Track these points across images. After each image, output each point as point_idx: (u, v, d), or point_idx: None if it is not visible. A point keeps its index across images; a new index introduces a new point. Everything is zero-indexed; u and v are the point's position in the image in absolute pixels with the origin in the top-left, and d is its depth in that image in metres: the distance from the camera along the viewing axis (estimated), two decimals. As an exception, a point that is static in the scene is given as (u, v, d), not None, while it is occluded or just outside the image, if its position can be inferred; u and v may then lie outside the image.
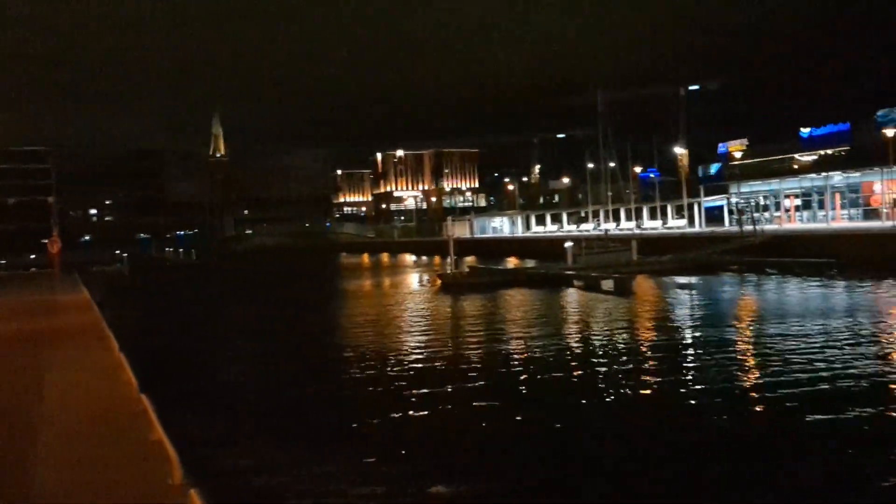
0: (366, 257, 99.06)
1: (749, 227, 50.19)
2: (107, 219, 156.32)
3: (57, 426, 7.88)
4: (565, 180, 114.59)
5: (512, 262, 63.71)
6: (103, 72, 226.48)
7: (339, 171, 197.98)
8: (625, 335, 23.11)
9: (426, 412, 14.55)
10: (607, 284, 35.78)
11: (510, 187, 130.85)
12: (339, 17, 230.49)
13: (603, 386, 16.56)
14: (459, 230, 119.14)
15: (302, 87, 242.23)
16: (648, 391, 15.98)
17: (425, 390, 16.18)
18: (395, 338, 24.32)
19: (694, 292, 34.69)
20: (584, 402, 15.14)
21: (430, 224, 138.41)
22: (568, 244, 46.04)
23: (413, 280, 51.78)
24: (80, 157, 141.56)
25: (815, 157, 69.49)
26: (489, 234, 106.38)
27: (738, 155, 68.33)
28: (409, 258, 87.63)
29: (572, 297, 34.80)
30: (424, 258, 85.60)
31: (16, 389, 10.07)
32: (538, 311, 30.14)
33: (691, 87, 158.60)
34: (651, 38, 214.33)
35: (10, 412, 8.75)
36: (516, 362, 19.51)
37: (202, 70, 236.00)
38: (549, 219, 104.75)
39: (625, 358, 19.45)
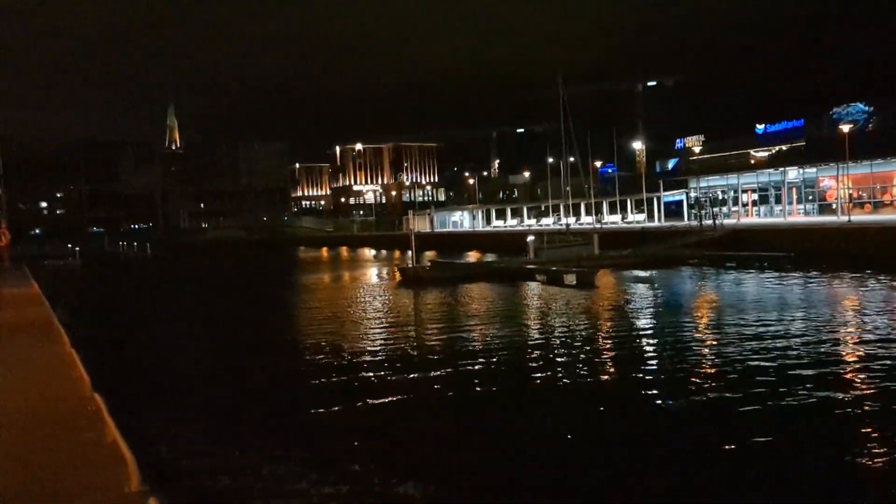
0: (324, 251, 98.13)
1: (708, 222, 50.77)
2: (58, 212, 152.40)
3: (4, 428, 7.37)
4: (526, 174, 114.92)
5: (473, 257, 63.59)
6: (55, 59, 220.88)
7: (297, 165, 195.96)
8: (586, 328, 23.06)
9: (384, 407, 14.24)
10: (570, 278, 35.76)
11: (470, 181, 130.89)
12: (299, 9, 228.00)
13: (561, 377, 16.46)
14: (419, 225, 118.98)
15: (260, 80, 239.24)
16: (605, 380, 15.99)
17: (386, 385, 15.88)
18: (355, 333, 23.91)
19: (654, 285, 34.90)
20: (542, 394, 15.00)
21: (389, 218, 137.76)
22: (530, 238, 46.02)
23: (373, 274, 51.35)
24: (30, 148, 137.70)
25: (771, 153, 70.78)
26: (449, 229, 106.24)
27: (696, 150, 69.23)
28: (369, 252, 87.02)
29: (535, 291, 34.71)
30: (384, 252, 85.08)
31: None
32: (500, 306, 29.99)
33: (649, 84, 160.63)
34: (608, 34, 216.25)
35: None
36: (475, 356, 19.26)
37: (157, 60, 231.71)
38: (509, 213, 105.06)
39: (585, 349, 19.38)
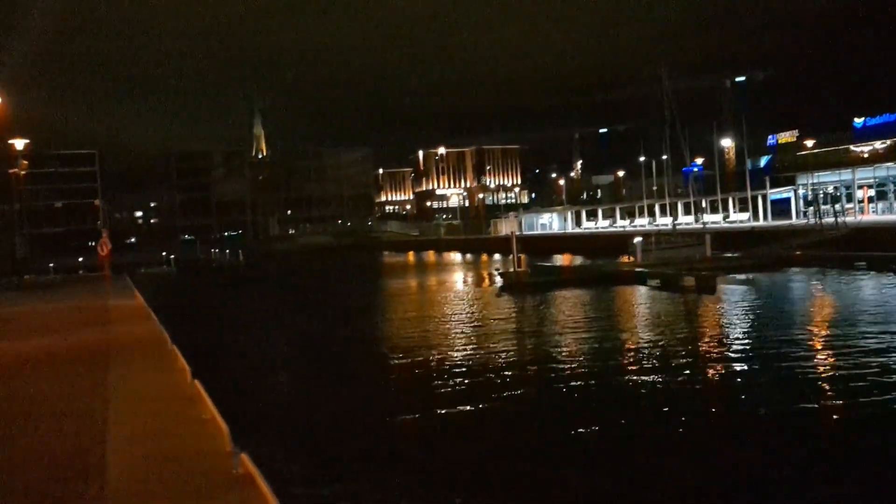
0: (411, 256, 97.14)
1: (829, 220, 47.00)
2: (152, 221, 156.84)
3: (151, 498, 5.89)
4: (620, 173, 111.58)
5: (564, 260, 61.38)
6: (147, 75, 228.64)
7: (380, 170, 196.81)
8: (722, 341, 20.64)
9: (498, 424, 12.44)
10: (688, 282, 33.23)
11: (560, 182, 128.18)
12: (379, 16, 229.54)
13: (708, 402, 14.30)
14: (507, 227, 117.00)
15: (343, 86, 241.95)
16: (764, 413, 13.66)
17: (501, 403, 14.08)
18: (466, 342, 22.17)
19: (788, 290, 32.04)
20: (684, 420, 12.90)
21: (475, 222, 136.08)
22: (637, 239, 43.43)
23: (470, 280, 49.57)
24: (126, 160, 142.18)
25: (886, 146, 65.68)
26: (537, 231, 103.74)
27: (791, 145, 64.82)
28: (456, 257, 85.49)
29: (649, 296, 32.33)
30: (469, 256, 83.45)
31: (78, 435, 8.14)
32: (617, 313, 27.84)
33: (738, 79, 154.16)
34: (693, 31, 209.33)
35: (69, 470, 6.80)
36: (608, 371, 17.24)
37: (244, 72, 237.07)
38: (600, 214, 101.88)
39: (731, 370, 17.08)
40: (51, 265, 62.83)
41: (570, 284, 37.66)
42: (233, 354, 22.96)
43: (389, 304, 37.15)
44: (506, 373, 17.61)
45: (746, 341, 20.37)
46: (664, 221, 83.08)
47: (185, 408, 8.33)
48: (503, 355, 19.92)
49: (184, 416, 7.98)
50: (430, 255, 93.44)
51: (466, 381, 16.85)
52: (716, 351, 19.33)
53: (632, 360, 18.52)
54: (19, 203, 59.24)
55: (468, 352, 20.69)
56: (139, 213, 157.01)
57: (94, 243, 60.36)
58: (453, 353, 20.51)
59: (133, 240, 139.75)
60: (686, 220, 72.33)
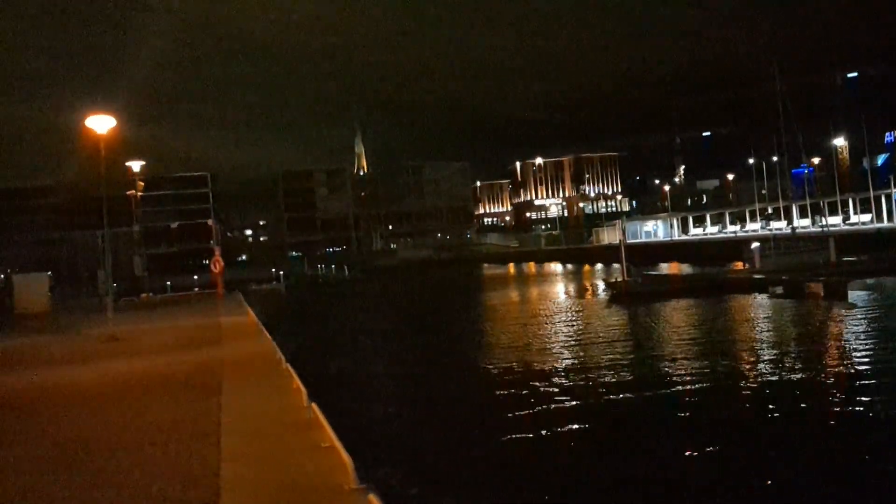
0: (511, 268, 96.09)
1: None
2: (261, 238, 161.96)
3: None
4: (730, 176, 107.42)
5: (672, 268, 59.14)
6: (253, 99, 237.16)
7: (478, 183, 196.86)
8: (865, 356, 18.83)
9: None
10: (814, 289, 31.01)
11: (666, 188, 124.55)
12: (469, 28, 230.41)
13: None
14: (609, 236, 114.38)
15: (439, 100, 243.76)
16: None
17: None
18: (583, 358, 21.14)
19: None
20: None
21: (575, 231, 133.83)
22: (754, 245, 41.12)
23: (576, 290, 48.09)
24: (236, 181, 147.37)
25: None
26: (642, 239, 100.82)
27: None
28: (557, 267, 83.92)
29: (776, 306, 30.29)
30: (569, 266, 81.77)
31: (189, 462, 7.76)
32: (740, 324, 26.13)
33: (849, 75, 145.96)
34: (806, 24, 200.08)
35: None
36: (748, 392, 15.90)
37: (345, 91, 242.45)
38: (709, 219, 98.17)
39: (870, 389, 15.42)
40: (167, 283, 65.25)
41: (683, 294, 35.87)
42: (346, 373, 22.66)
43: (499, 320, 36.07)
44: (649, 393, 16.56)
45: (866, 356, 18.57)
46: (778, 225, 79.17)
47: (302, 434, 7.83)
48: (632, 376, 18.84)
49: (302, 444, 7.46)
50: (531, 267, 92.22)
51: (611, 404, 15.90)
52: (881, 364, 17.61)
53: (802, 379, 17.06)
54: (137, 224, 61.83)
55: (589, 375, 19.69)
56: (249, 232, 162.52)
57: (207, 261, 62.46)
58: (572, 375, 19.56)
59: (244, 257, 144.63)
60: (803, 224, 68.55)
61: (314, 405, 8.39)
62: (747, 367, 18.61)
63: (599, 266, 75.96)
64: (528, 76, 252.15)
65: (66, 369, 14.82)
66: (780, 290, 33.32)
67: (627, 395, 16.28)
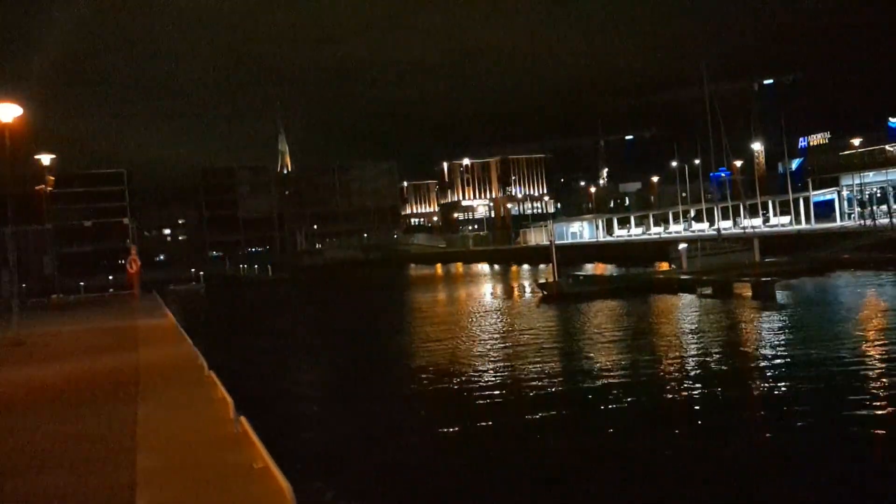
0: (439, 268, 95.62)
1: (883, 221, 44.87)
2: (180, 237, 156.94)
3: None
4: (655, 178, 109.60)
5: (597, 269, 59.73)
6: (171, 92, 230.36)
7: (405, 183, 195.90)
8: (800, 360, 18.84)
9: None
10: (742, 289, 31.39)
11: (591, 189, 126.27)
12: (397, 29, 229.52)
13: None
14: (536, 237, 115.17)
15: (365, 99, 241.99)
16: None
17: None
18: (526, 359, 20.63)
19: (854, 295, 30.10)
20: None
21: (502, 232, 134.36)
22: (681, 246, 41.57)
23: (508, 291, 47.80)
24: (153, 178, 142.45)
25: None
26: (568, 240, 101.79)
27: (818, 147, 62.53)
28: (484, 268, 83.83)
29: (706, 305, 30.50)
30: (497, 267, 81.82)
31: (101, 489, 6.74)
32: (674, 325, 26.11)
33: (765, 82, 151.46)
34: (718, 36, 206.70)
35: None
36: (690, 396, 15.64)
37: (267, 89, 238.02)
38: (633, 221, 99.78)
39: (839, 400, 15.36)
40: (80, 284, 62.16)
41: (613, 294, 35.90)
42: (270, 380, 21.51)
43: (431, 319, 35.32)
44: (618, 392, 16.07)
45: (853, 351, 18.65)
46: (700, 227, 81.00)
47: (230, 452, 6.90)
48: (595, 376, 18.37)
49: (230, 464, 6.54)
50: (459, 267, 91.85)
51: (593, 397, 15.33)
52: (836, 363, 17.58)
53: (760, 382, 16.86)
54: (49, 222, 58.75)
55: (540, 372, 19.15)
56: (167, 231, 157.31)
57: (123, 261, 59.71)
58: (522, 372, 19.00)
59: (162, 257, 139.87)
60: (724, 225, 70.33)
61: (243, 418, 7.46)
62: (675, 362, 18.41)
63: (526, 267, 76.15)
64: (455, 77, 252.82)
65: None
66: (708, 290, 33.66)
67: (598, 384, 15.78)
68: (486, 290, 49.65)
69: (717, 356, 19.47)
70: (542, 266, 72.27)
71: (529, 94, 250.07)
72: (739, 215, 69.46)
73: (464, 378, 18.47)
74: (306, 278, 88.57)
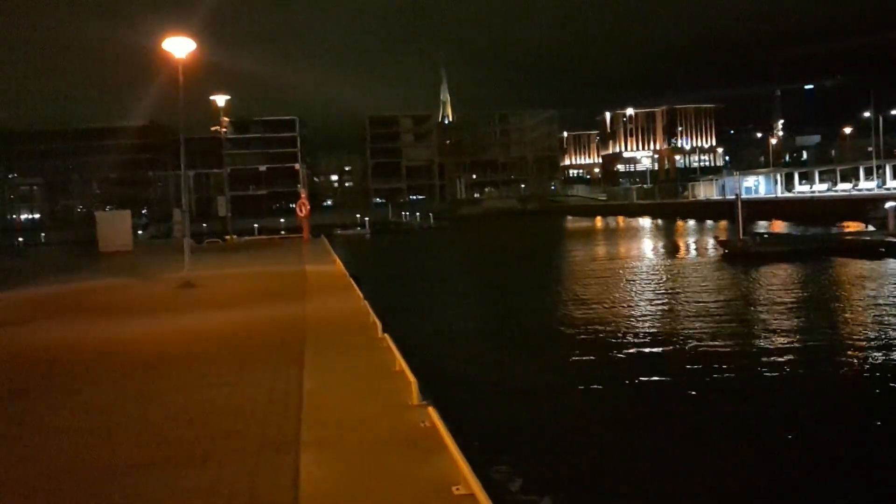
0: (599, 221, 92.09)
1: None
2: (346, 184, 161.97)
3: None
4: (847, 130, 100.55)
5: (774, 227, 55.09)
6: (341, 43, 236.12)
7: (565, 133, 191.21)
8: None
9: None
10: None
11: (773, 141, 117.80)
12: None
13: None
14: (706, 191, 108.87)
15: (526, 48, 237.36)
16: None
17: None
18: (723, 330, 18.18)
19: None
20: None
21: (668, 185, 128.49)
22: (889, 204, 36.67)
23: (682, 248, 44.28)
24: (323, 126, 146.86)
25: None
26: (742, 196, 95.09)
27: None
28: (647, 223, 79.71)
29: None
30: (660, 222, 77.48)
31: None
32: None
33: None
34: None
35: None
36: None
37: (432, 39, 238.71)
38: (817, 176, 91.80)
39: None
40: (254, 226, 64.78)
41: (805, 256, 32.09)
42: (441, 333, 20.04)
43: (611, 277, 32.50)
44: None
45: None
46: (894, 185, 73.38)
47: (423, 463, 5.20)
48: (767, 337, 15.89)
49: (426, 483, 4.93)
50: (621, 221, 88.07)
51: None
52: None
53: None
54: (225, 167, 61.19)
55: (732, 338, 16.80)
56: (335, 177, 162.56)
57: (293, 205, 61.53)
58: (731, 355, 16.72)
59: (329, 202, 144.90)
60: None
61: (431, 409, 5.93)
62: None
63: (692, 223, 71.74)
64: (622, 23, 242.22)
65: (126, 322, 12.93)
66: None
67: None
68: (657, 246, 46.37)
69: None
70: (709, 222, 67.72)
71: (699, 40, 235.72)
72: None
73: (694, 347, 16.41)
74: (467, 227, 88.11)
